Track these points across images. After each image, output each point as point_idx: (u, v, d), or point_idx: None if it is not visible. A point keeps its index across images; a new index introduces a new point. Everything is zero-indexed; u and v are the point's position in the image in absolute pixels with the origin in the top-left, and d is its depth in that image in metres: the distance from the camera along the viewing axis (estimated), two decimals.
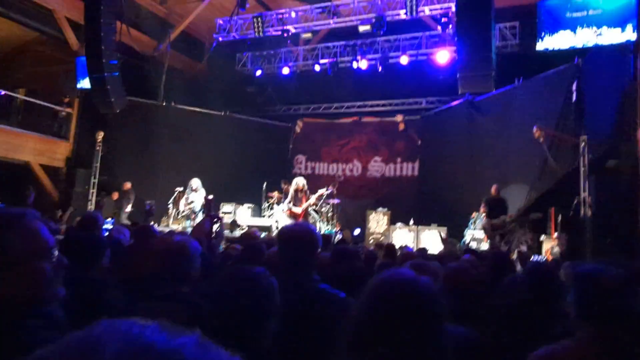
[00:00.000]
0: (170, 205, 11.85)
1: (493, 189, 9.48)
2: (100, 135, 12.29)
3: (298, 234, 2.03)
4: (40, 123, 12.83)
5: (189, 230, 10.60)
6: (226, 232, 10.77)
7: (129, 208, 11.57)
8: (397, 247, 6.72)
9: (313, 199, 10.53)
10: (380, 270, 3.60)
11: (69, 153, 13.12)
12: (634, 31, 7.84)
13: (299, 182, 10.43)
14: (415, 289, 1.10)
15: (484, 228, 9.27)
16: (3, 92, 12.55)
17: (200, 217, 11.02)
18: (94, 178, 12.22)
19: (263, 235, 9.91)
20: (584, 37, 8.26)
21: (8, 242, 1.19)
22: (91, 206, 12.13)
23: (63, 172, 12.92)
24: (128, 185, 11.91)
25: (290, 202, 10.30)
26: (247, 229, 11.40)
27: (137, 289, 2.29)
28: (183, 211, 11.22)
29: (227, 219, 11.87)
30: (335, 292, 2.03)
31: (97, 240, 2.67)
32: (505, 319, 2.57)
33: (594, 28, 8.12)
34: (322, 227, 11.52)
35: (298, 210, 10.21)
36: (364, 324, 1.11)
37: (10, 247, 1.19)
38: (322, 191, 10.82)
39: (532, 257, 6.88)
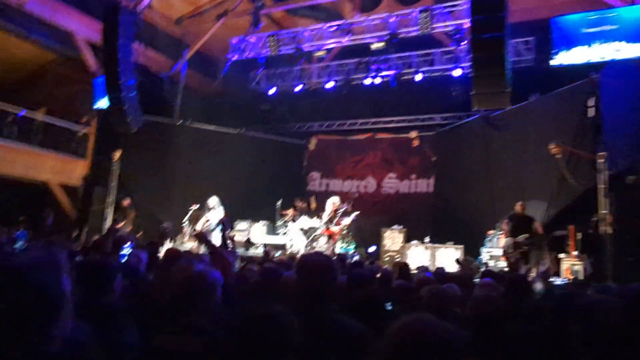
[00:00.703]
0: (186, 224, 11.89)
1: (518, 206, 9.26)
2: (117, 154, 12.44)
3: (318, 265, 2.00)
4: (59, 142, 13.04)
5: (203, 248, 10.64)
6: (241, 251, 10.78)
7: (125, 225, 11.50)
8: (413, 266, 6.64)
9: (349, 220, 10.65)
10: (396, 294, 3.56)
11: (87, 172, 13.29)
12: None
13: (336, 201, 10.60)
14: (439, 341, 1.07)
15: (506, 246, 9.09)
16: (23, 112, 12.81)
17: (216, 234, 11.04)
18: (111, 197, 12.35)
19: (278, 254, 9.90)
20: (600, 52, 8.19)
21: (65, 284, 1.20)
22: (107, 225, 12.23)
23: (80, 190, 13.07)
24: (126, 202, 11.96)
25: (327, 221, 10.37)
26: (261, 247, 11.42)
27: (154, 319, 2.28)
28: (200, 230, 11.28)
29: (241, 237, 11.88)
30: (353, 324, 2.00)
31: (111, 266, 2.66)
32: (528, 347, 2.51)
33: (610, 43, 8.05)
34: (337, 245, 11.45)
35: (336, 229, 10.36)
36: None
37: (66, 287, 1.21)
38: (355, 214, 10.95)
39: (552, 277, 6.76)
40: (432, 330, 1.09)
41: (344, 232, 11.88)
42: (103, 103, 11.91)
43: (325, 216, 10.46)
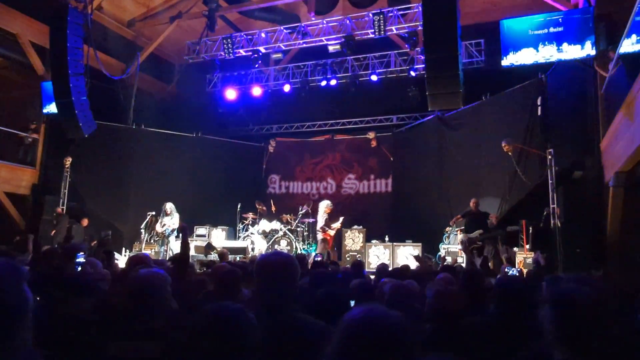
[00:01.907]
0: (143, 230, 11.61)
1: (472, 203, 9.59)
2: (68, 161, 12.02)
3: (278, 264, 1.98)
4: (5, 150, 12.46)
5: (162, 253, 10.45)
6: (200, 256, 10.61)
7: (59, 233, 11.05)
8: (374, 264, 6.70)
9: (338, 224, 10.82)
10: (355, 292, 3.59)
11: (36, 180, 12.74)
12: (592, 47, 8.13)
13: (329, 204, 10.74)
14: (385, 328, 1.09)
15: (462, 242, 9.36)
16: None
17: (172, 241, 10.85)
18: (63, 204, 11.90)
19: (238, 258, 9.81)
20: (547, 53, 8.52)
21: (26, 293, 1.16)
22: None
23: (29, 199, 12.52)
24: (59, 209, 11.61)
25: (325, 225, 10.52)
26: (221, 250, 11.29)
27: (111, 325, 2.22)
28: (157, 235, 11.09)
29: (201, 242, 11.71)
30: (316, 322, 2.00)
31: (66, 277, 2.59)
32: (480, 336, 2.58)
33: (556, 45, 8.39)
34: (299, 247, 11.47)
35: (332, 232, 10.52)
36: None
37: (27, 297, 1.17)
38: (341, 219, 11.09)
39: (506, 269, 6.98)
40: (382, 319, 1.11)
41: (305, 233, 11.92)
42: (52, 108, 11.44)
43: (321, 220, 10.57)
